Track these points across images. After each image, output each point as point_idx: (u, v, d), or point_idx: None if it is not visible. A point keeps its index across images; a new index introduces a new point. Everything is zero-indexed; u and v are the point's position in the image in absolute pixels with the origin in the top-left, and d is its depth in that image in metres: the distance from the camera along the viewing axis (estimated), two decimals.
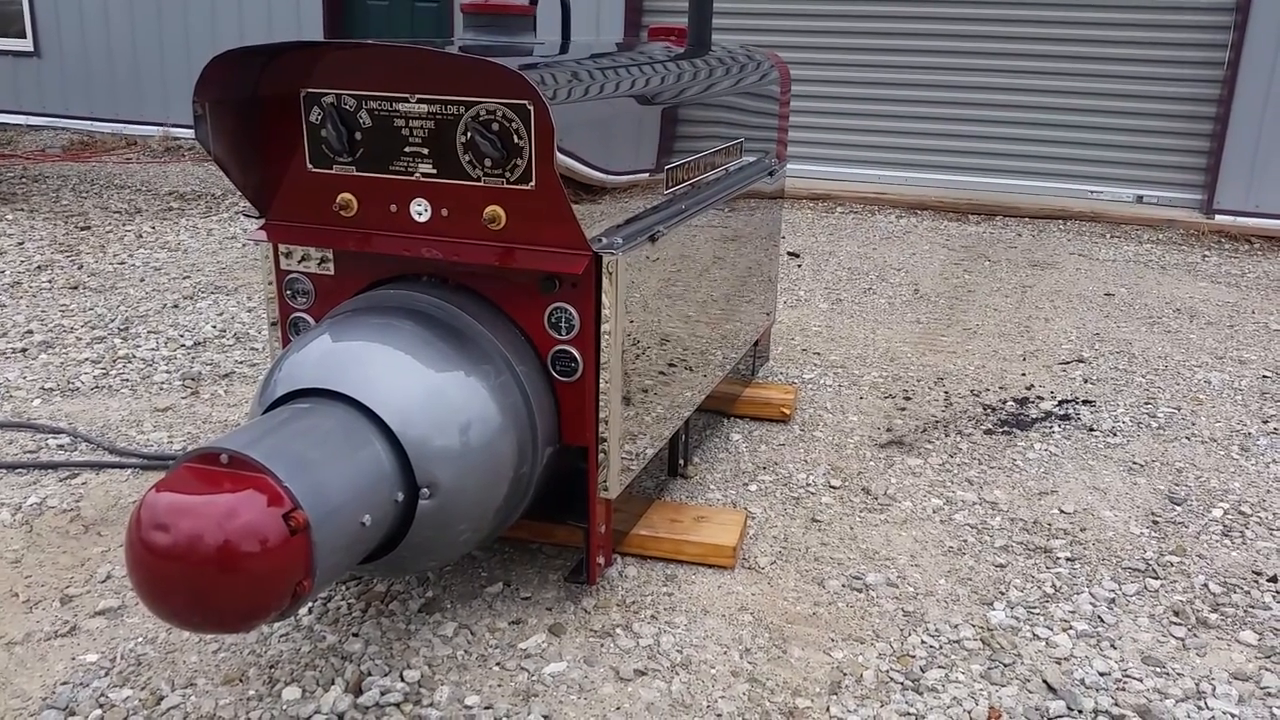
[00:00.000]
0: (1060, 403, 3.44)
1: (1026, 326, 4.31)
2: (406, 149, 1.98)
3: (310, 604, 2.12)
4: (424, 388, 1.83)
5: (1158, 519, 2.65)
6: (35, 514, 2.49)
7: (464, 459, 1.83)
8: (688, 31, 2.94)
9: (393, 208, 2.03)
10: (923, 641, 2.09)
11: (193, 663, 1.95)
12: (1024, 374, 3.72)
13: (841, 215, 6.64)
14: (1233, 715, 1.90)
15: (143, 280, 4.58)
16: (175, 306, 4.20)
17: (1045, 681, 1.98)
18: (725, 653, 2.03)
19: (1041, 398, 3.48)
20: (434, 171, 1.98)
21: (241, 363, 3.59)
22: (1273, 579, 2.37)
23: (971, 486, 2.80)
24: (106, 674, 1.92)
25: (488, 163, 1.94)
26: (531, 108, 1.87)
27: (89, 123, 9.28)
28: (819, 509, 2.65)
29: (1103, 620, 2.19)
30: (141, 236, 5.40)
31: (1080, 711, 1.90)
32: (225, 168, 2.03)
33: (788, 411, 3.20)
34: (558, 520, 2.23)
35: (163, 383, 3.38)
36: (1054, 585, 2.32)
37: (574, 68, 2.03)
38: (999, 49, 6.90)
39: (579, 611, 2.14)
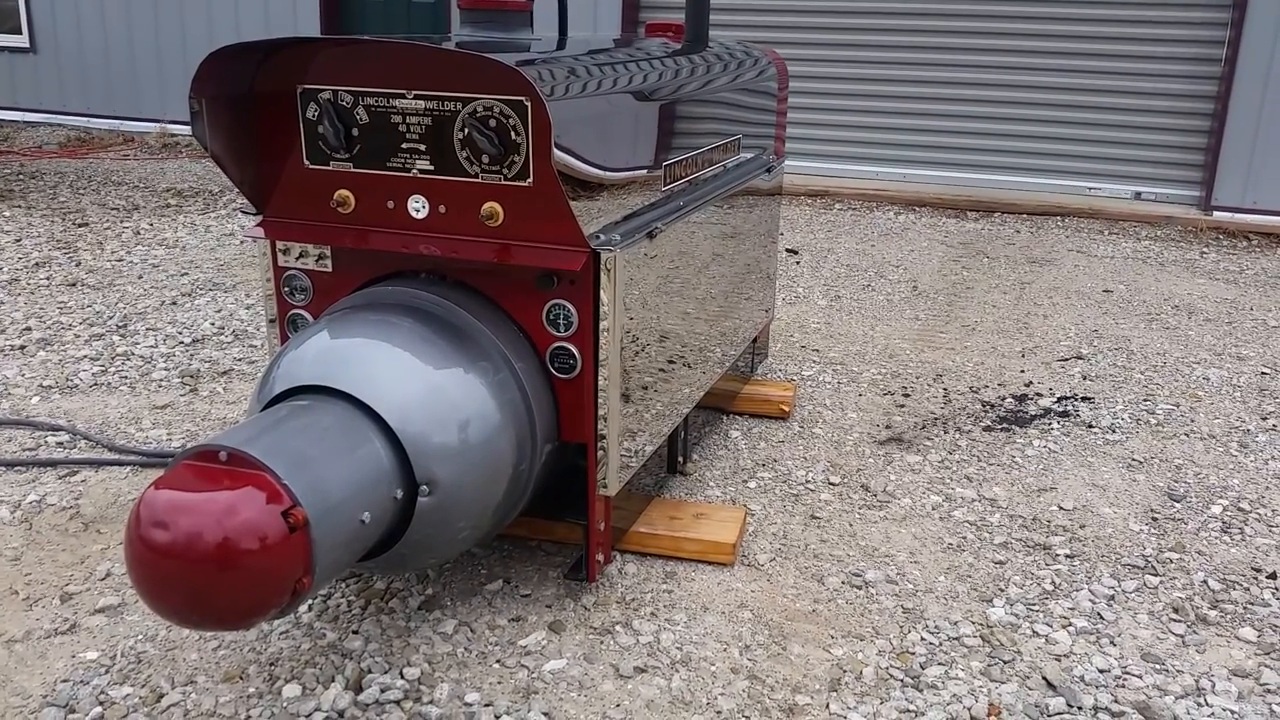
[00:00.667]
0: (1059, 399, 3.44)
1: (1025, 323, 4.31)
2: (404, 145, 1.98)
3: (310, 601, 2.11)
4: (423, 385, 1.83)
5: (1157, 516, 2.65)
6: (35, 511, 2.49)
7: (463, 456, 1.82)
8: (685, 27, 2.94)
9: (390, 204, 2.02)
10: (922, 638, 2.09)
11: (193, 660, 1.95)
12: (1023, 371, 3.72)
13: (840, 212, 6.63)
14: (1232, 712, 1.90)
15: (141, 277, 4.57)
16: (173, 303, 4.20)
17: (1045, 678, 1.98)
18: (725, 650, 2.03)
19: (1040, 394, 3.48)
20: (431, 168, 1.97)
21: (240, 360, 3.59)
22: (1272, 575, 2.38)
23: (971, 483, 2.80)
24: (107, 671, 1.91)
25: (485, 159, 1.93)
26: (529, 104, 1.87)
27: (86, 119, 9.26)
28: (818, 506, 2.65)
29: (1102, 617, 2.19)
30: (139, 233, 5.40)
31: (1080, 708, 1.90)
32: (222, 164, 2.02)
33: (787, 408, 3.20)
34: (557, 517, 2.23)
35: (161, 380, 3.38)
36: (1053, 582, 2.32)
37: (571, 64, 2.03)
38: (997, 45, 6.89)
39: (579, 609, 2.14)
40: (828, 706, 1.88)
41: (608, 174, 2.02)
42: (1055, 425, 3.21)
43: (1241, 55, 6.24)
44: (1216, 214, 6.40)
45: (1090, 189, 6.85)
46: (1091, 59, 6.69)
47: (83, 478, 2.67)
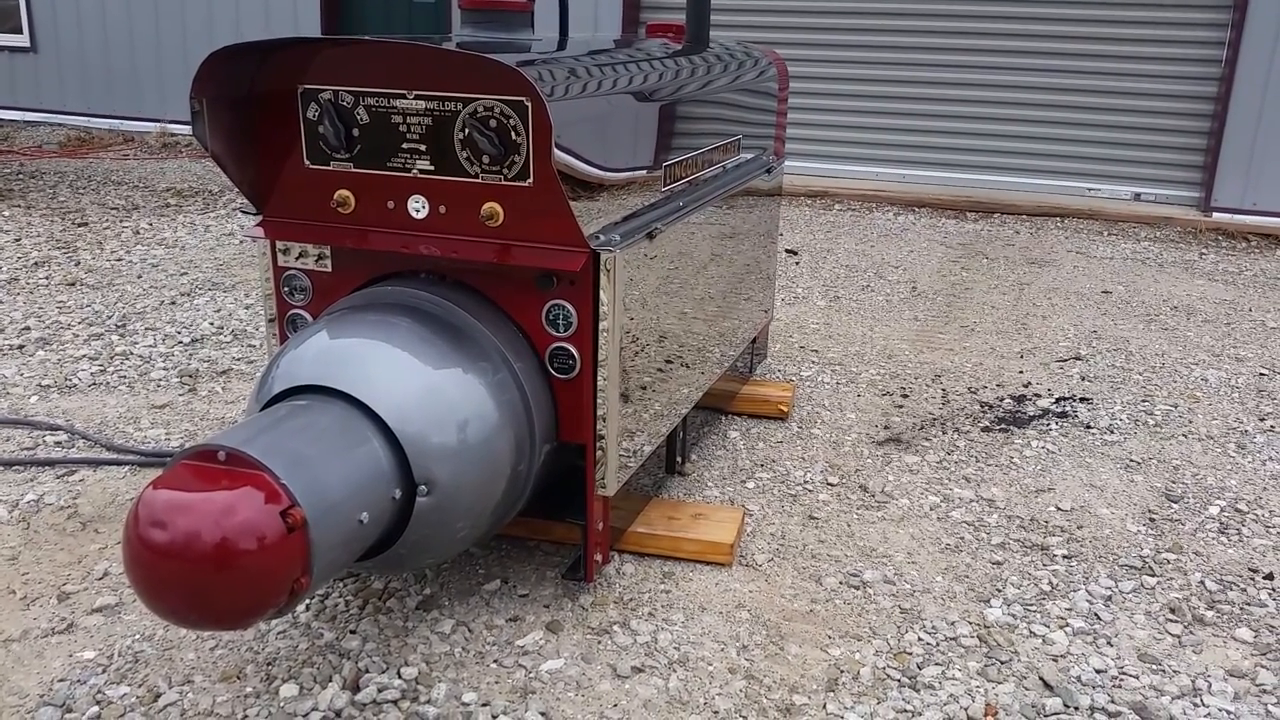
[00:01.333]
0: (1057, 400, 3.44)
1: (1024, 324, 4.31)
2: (404, 145, 1.98)
3: (308, 601, 2.12)
4: (422, 385, 1.83)
5: (1154, 516, 2.66)
6: (32, 511, 2.49)
7: (461, 456, 1.83)
8: (686, 28, 2.94)
9: (390, 204, 2.03)
10: (920, 639, 2.09)
11: (190, 660, 1.95)
12: (1021, 371, 3.72)
13: (839, 212, 6.64)
14: (1228, 712, 1.90)
15: (140, 277, 4.57)
16: (173, 303, 4.20)
17: (1042, 679, 1.98)
18: (722, 650, 2.04)
19: (1039, 395, 3.49)
20: (431, 168, 1.98)
21: (239, 359, 3.59)
22: (1269, 576, 2.38)
23: (969, 484, 2.81)
24: (104, 671, 1.92)
25: (485, 159, 1.93)
26: (529, 104, 1.87)
27: (86, 119, 9.26)
28: (816, 506, 2.65)
29: (1099, 617, 2.19)
30: (139, 233, 5.40)
31: (1077, 708, 1.90)
32: (222, 164, 2.03)
33: (785, 409, 3.20)
34: (555, 518, 2.23)
35: (160, 379, 3.38)
36: (1051, 582, 2.32)
37: (572, 64, 2.03)
38: (997, 46, 6.90)
39: (576, 609, 2.14)
40: (825, 707, 1.88)
41: (608, 174, 2.03)
42: (1053, 426, 3.22)
43: (1242, 56, 6.25)
44: (1216, 215, 6.40)
45: (1089, 190, 6.85)
46: (1091, 60, 6.70)
47: (81, 477, 2.67)
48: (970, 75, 6.98)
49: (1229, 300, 4.78)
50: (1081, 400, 3.44)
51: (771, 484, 2.77)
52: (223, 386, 3.35)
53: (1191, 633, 2.15)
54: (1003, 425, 3.22)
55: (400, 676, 1.91)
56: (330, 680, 1.88)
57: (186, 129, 8.52)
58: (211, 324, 3.95)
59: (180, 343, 3.73)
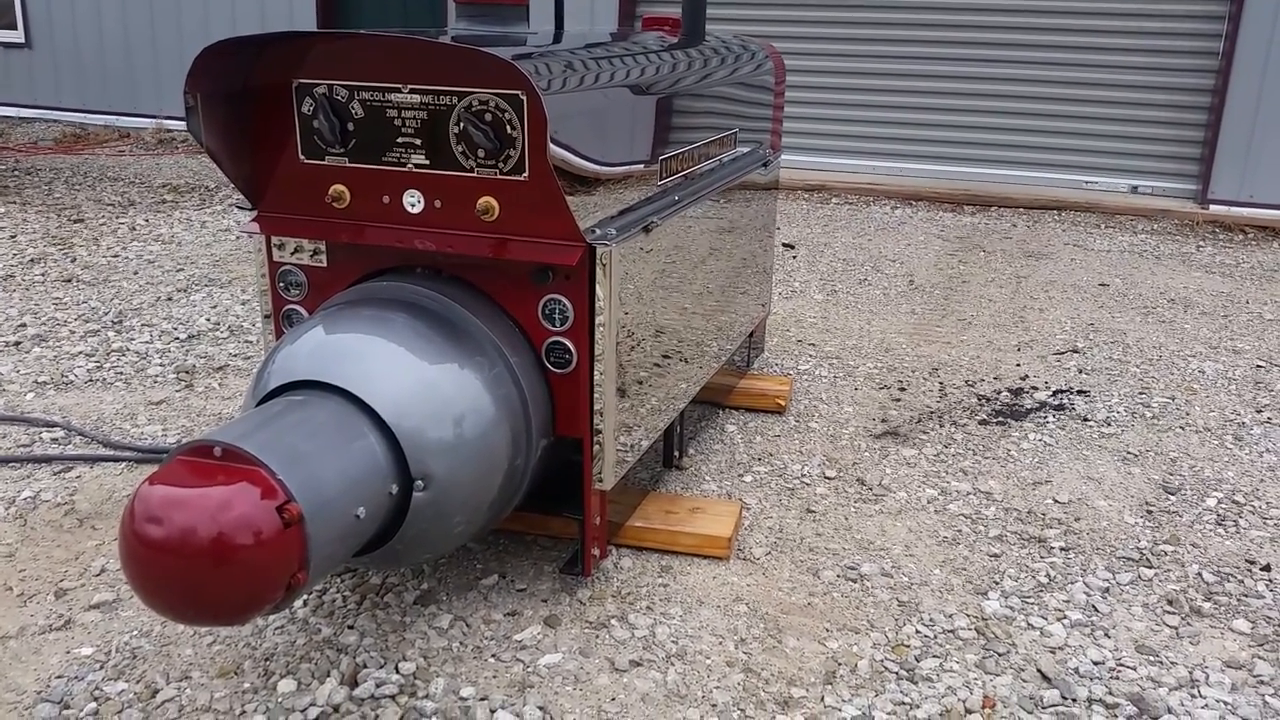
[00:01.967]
0: (1055, 393, 3.44)
1: (1021, 317, 4.31)
2: (399, 140, 1.97)
3: (305, 596, 2.12)
4: (418, 380, 1.83)
5: (1152, 508, 2.66)
6: (29, 508, 2.49)
7: (458, 451, 1.82)
8: (682, 21, 2.94)
9: (385, 199, 2.02)
10: (917, 631, 2.10)
11: (187, 656, 1.95)
12: (1019, 364, 3.72)
13: (836, 206, 6.63)
14: (1225, 703, 1.91)
15: (136, 273, 4.56)
16: (169, 299, 4.19)
17: (1040, 670, 1.98)
18: (720, 643, 2.04)
19: (1036, 388, 3.49)
20: (427, 162, 1.97)
21: (235, 355, 3.59)
22: (1266, 568, 2.38)
23: (966, 477, 2.81)
24: (101, 667, 1.91)
25: (481, 153, 1.93)
26: (525, 98, 1.86)
27: (81, 115, 9.24)
28: (814, 500, 2.65)
29: (1097, 609, 2.19)
30: (135, 229, 5.39)
31: (1074, 700, 1.90)
32: (217, 159, 2.02)
33: (783, 403, 3.20)
34: (553, 512, 2.23)
35: (156, 376, 3.38)
36: (1048, 575, 2.33)
37: (567, 58, 2.02)
38: (993, 39, 6.89)
39: (574, 603, 2.14)
40: (823, 699, 1.88)
41: (604, 168, 2.02)
42: (1051, 419, 3.22)
43: (1239, 48, 6.24)
44: (1213, 207, 6.40)
45: (1087, 183, 6.85)
46: (1088, 52, 6.69)
47: (77, 474, 2.67)
48: (967, 68, 6.97)
49: (1226, 292, 4.78)
50: (1079, 393, 3.45)
51: (769, 477, 2.77)
52: (219, 382, 3.34)
53: (1189, 624, 2.16)
54: (1000, 418, 3.22)
55: (398, 671, 1.91)
56: (328, 675, 1.88)
57: (182, 125, 8.48)
58: (208, 320, 3.94)
59: (176, 339, 3.72)
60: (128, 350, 3.58)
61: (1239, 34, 6.23)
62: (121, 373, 3.39)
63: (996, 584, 2.28)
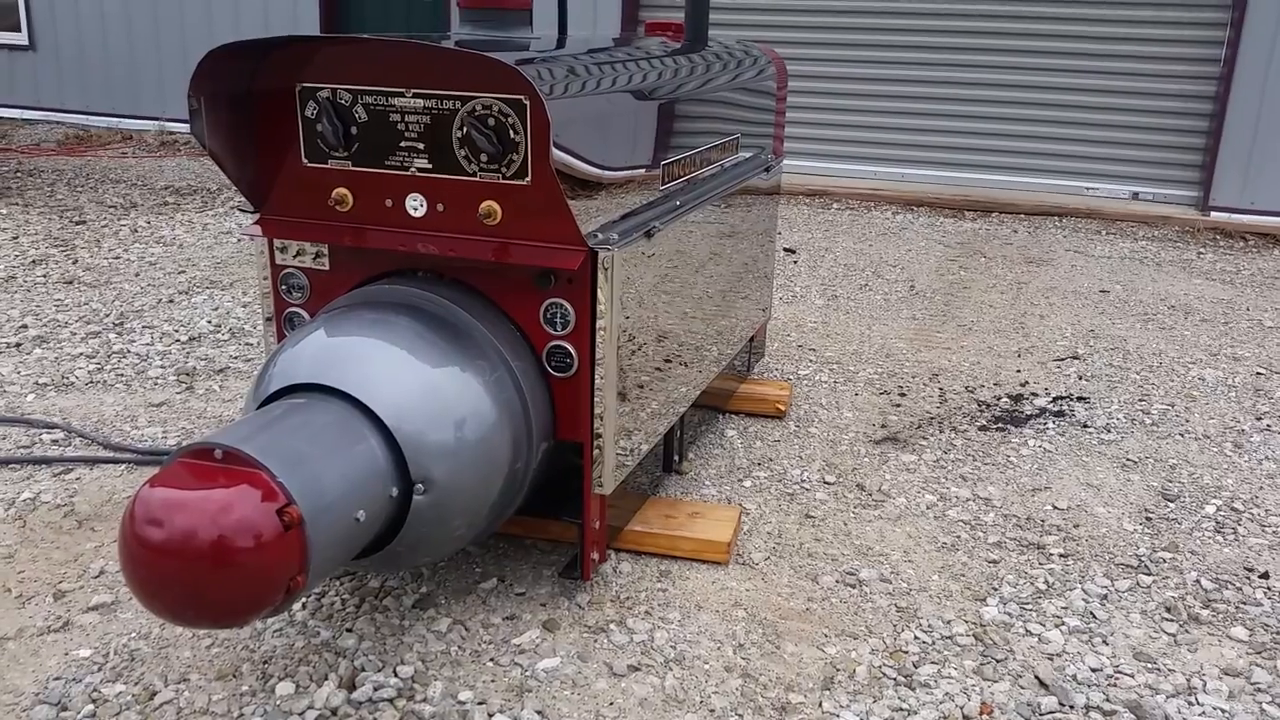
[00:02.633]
0: (1055, 399, 3.44)
1: (1021, 323, 4.32)
2: (402, 144, 1.98)
3: (304, 599, 2.12)
4: (419, 383, 1.83)
5: (1151, 515, 2.66)
6: (29, 509, 2.49)
7: (459, 455, 1.83)
8: (685, 26, 2.94)
9: (388, 203, 2.02)
10: (916, 637, 2.10)
11: (186, 658, 1.95)
12: (1019, 370, 3.73)
13: (838, 211, 6.64)
14: (1223, 711, 1.91)
15: (138, 275, 4.57)
16: (170, 301, 4.20)
17: (1038, 677, 1.98)
18: (719, 648, 2.04)
19: (1036, 394, 3.49)
20: (430, 166, 1.98)
21: (236, 358, 3.59)
22: (1264, 575, 2.38)
23: (965, 483, 2.81)
24: (99, 669, 1.92)
25: (484, 158, 1.93)
26: (528, 103, 1.87)
27: (84, 117, 9.25)
28: (813, 505, 2.65)
29: (1095, 616, 2.19)
30: (137, 231, 5.39)
31: (1072, 707, 1.90)
32: (220, 162, 2.02)
33: (783, 408, 3.20)
34: (552, 516, 2.23)
35: (157, 378, 3.38)
36: (1047, 581, 2.33)
37: (570, 63, 2.03)
38: (996, 45, 6.90)
39: (573, 607, 2.15)
40: (821, 705, 1.88)
41: (606, 173, 2.03)
42: (1050, 425, 3.22)
43: (1241, 55, 6.25)
44: (1214, 214, 6.41)
45: (1088, 189, 6.86)
46: (1090, 59, 6.70)
47: (77, 475, 2.67)
48: (969, 74, 6.98)
49: (1226, 299, 4.79)
50: (1079, 399, 3.45)
51: (768, 482, 2.77)
52: (220, 385, 3.35)
53: (1187, 631, 2.16)
54: (1000, 424, 3.23)
55: (396, 675, 1.91)
56: (326, 679, 1.89)
57: (185, 127, 8.51)
58: (209, 322, 3.95)
59: (178, 341, 3.73)
60: (128, 352, 3.59)
61: (1241, 41, 6.24)
62: (122, 374, 3.39)
63: (995, 590, 2.28)
